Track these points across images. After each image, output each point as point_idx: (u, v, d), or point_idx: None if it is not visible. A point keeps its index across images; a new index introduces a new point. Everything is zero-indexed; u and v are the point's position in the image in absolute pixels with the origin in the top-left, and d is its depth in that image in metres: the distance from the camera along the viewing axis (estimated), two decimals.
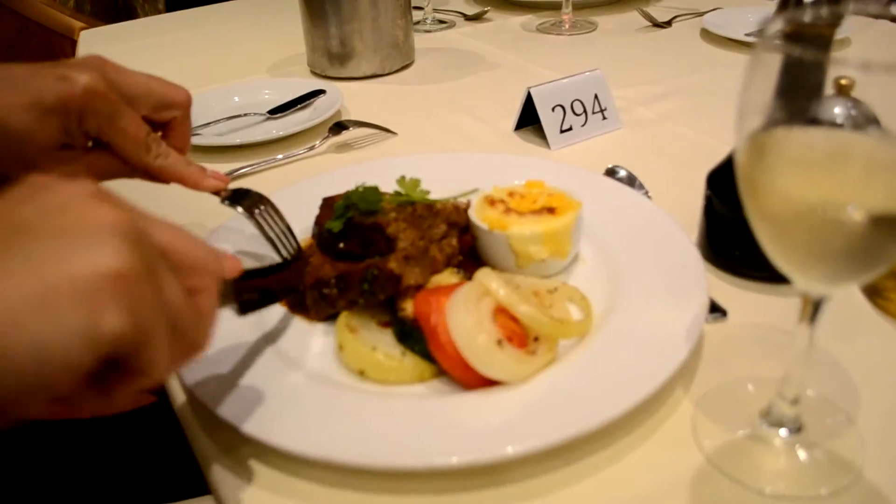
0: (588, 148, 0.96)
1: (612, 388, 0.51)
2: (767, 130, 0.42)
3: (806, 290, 0.44)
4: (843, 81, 0.42)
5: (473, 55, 1.37)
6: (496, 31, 1.52)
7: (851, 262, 0.40)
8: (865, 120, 0.45)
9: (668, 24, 1.47)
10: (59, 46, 2.08)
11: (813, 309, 0.45)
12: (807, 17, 0.57)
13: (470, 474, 0.50)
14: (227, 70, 1.32)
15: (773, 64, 0.39)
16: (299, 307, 0.64)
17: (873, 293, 0.65)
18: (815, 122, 0.45)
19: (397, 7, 1.23)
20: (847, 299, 0.65)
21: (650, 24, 1.47)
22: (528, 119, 0.98)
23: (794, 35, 0.51)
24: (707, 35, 1.38)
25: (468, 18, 1.59)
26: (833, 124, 0.47)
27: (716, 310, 0.63)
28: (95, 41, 1.65)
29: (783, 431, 0.51)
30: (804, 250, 0.40)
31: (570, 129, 0.96)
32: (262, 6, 1.81)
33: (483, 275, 0.57)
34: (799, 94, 0.43)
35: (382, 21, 1.22)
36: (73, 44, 1.86)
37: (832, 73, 0.40)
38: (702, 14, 1.48)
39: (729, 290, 0.67)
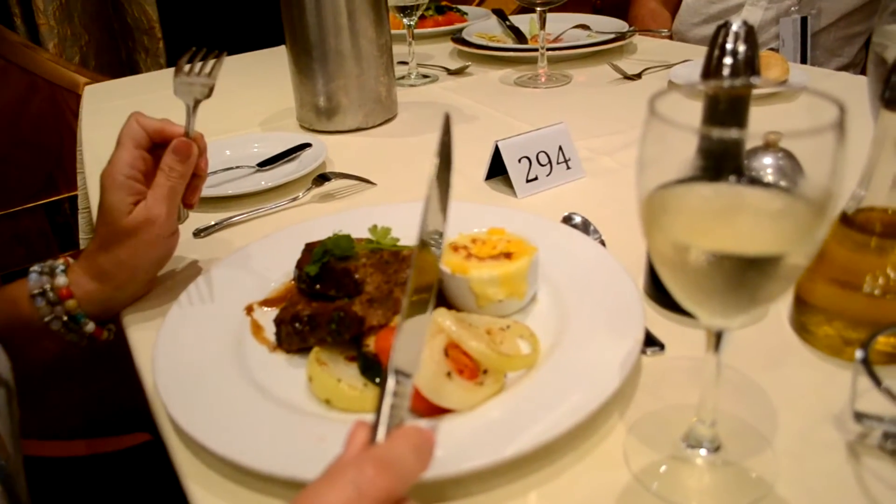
0: (552, 196, 1.03)
1: (550, 413, 0.58)
2: (669, 186, 0.48)
3: (707, 324, 0.50)
4: (772, 136, 0.49)
5: (453, 108, 1.45)
6: (476, 85, 1.61)
7: (737, 299, 0.46)
8: (792, 169, 0.51)
9: (639, 76, 1.56)
10: (65, 100, 2.18)
11: (716, 340, 0.51)
12: (725, 83, 0.65)
13: (423, 490, 0.56)
14: (222, 124, 1.41)
15: (662, 130, 0.46)
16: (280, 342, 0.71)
17: (800, 328, 0.72)
18: (723, 177, 0.52)
19: (380, 65, 1.32)
20: (777, 334, 0.72)
21: (621, 76, 1.56)
22: (498, 169, 1.05)
23: (715, 97, 0.58)
24: (674, 87, 1.46)
25: (451, 73, 1.68)
26: (738, 178, 0.53)
27: (654, 344, 0.70)
28: (99, 95, 1.74)
29: (703, 451, 0.57)
30: (695, 289, 0.47)
31: (536, 178, 1.03)
32: (255, 63, 1.90)
33: (438, 314, 0.63)
34: (708, 153, 0.50)
35: (366, 78, 1.30)
36: (78, 98, 1.95)
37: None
38: (671, 66, 1.57)
39: (670, 326, 0.73)
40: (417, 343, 0.52)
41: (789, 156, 0.50)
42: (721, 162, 0.51)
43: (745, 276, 0.44)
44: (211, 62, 0.84)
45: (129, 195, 0.76)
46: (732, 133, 0.45)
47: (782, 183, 0.51)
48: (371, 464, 0.42)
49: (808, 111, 0.48)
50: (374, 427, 0.47)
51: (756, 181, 0.51)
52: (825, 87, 0.52)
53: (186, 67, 0.83)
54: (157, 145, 0.80)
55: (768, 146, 0.53)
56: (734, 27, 0.68)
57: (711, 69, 0.70)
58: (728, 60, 0.69)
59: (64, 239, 2.41)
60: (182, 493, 0.60)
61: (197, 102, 0.82)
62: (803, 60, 1.99)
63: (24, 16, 2.45)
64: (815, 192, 0.45)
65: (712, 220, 0.48)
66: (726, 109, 0.58)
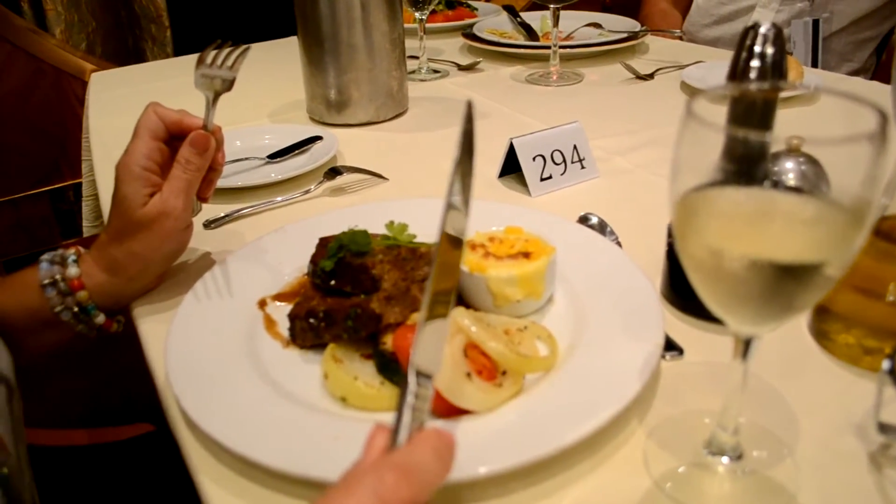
0: (566, 195, 1.02)
1: (569, 417, 0.57)
2: (701, 189, 0.48)
3: (736, 331, 0.50)
4: (794, 141, 0.48)
5: (464, 104, 1.43)
6: (487, 82, 1.60)
7: (771, 306, 0.45)
8: (815, 174, 0.50)
9: (651, 76, 1.55)
10: (71, 88, 2.17)
11: (744, 347, 0.50)
12: (752, 85, 0.64)
13: (438, 494, 0.54)
14: (231, 115, 1.38)
15: (700, 131, 0.45)
16: (294, 337, 0.70)
17: (821, 336, 0.71)
18: (754, 181, 0.51)
19: (392, 59, 1.30)
20: (796, 341, 0.71)
21: (633, 76, 1.55)
22: (511, 167, 1.04)
23: (741, 99, 0.57)
24: (687, 88, 1.46)
25: (461, 68, 1.67)
26: (772, 183, 0.52)
27: (673, 348, 0.69)
28: (105, 83, 1.73)
29: (724, 459, 0.56)
30: (729, 296, 0.46)
31: (550, 177, 1.02)
32: (265, 55, 1.88)
33: (457, 314, 0.62)
34: (739, 157, 0.49)
35: (378, 72, 1.29)
36: (84, 85, 1.94)
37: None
38: (683, 67, 1.56)
39: (687, 330, 0.73)
40: (438, 342, 0.50)
41: (811, 160, 0.49)
42: (748, 165, 0.50)
43: (781, 283, 0.43)
44: (234, 55, 0.83)
45: (144, 187, 0.75)
46: (768, 136, 0.45)
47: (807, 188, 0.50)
48: (391, 471, 0.41)
49: (843, 117, 0.47)
50: (394, 430, 0.46)
51: (791, 187, 0.50)
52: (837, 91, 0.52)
53: (209, 60, 0.82)
54: (173, 137, 0.79)
55: (790, 150, 0.53)
56: (762, 29, 0.67)
57: (738, 71, 0.69)
58: (755, 63, 0.68)
59: (67, 226, 2.40)
60: (184, 484, 0.59)
61: (217, 95, 0.81)
62: (814, 64, 1.98)
63: (32, 0, 2.44)
64: (852, 200, 0.44)
65: (749, 225, 0.47)
66: (753, 112, 0.57)
